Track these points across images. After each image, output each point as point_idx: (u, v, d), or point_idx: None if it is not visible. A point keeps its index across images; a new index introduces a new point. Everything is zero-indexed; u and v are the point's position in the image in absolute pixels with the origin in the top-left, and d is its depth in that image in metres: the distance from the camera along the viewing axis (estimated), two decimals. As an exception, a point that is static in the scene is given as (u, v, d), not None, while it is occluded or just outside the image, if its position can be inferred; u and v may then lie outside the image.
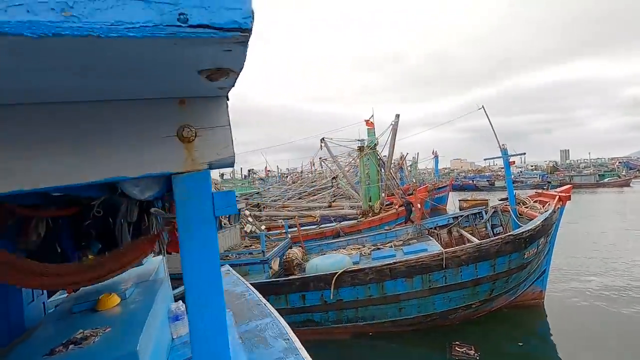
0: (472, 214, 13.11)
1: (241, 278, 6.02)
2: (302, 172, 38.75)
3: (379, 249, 12.18)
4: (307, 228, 16.63)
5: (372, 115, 19.39)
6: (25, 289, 2.72)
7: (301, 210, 22.05)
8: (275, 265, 10.50)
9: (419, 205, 13.69)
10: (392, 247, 12.08)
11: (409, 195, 24.19)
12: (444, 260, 8.35)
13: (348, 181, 21.76)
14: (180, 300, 3.30)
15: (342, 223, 17.91)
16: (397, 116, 18.35)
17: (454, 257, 8.43)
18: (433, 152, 40.98)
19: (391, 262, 8.71)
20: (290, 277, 9.32)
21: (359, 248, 12.80)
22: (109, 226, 3.05)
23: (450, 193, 37.03)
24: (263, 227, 14.82)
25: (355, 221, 17.46)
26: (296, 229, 14.27)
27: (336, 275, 8.62)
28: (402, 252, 10.88)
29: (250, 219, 13.81)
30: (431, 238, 12.26)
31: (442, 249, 10.24)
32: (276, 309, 9.44)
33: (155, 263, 3.84)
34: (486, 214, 12.79)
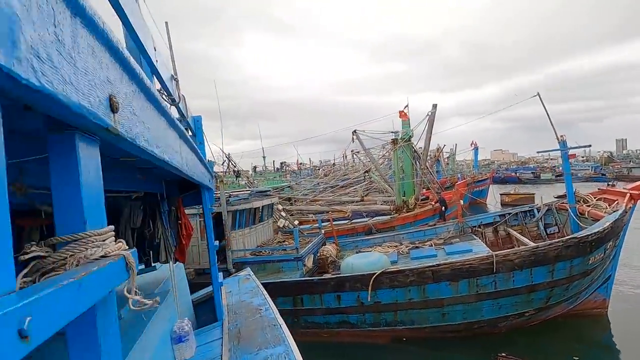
0: (521, 211, 12.02)
1: (261, 287, 5.65)
2: (334, 164, 38.25)
3: (417, 247, 11.50)
4: (338, 223, 16.16)
5: (407, 106, 18.43)
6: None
7: (332, 204, 21.64)
8: (309, 262, 10.18)
9: (461, 202, 12.78)
10: (431, 246, 11.36)
11: (446, 189, 23.04)
12: (495, 264, 7.58)
13: (381, 175, 20.98)
14: (187, 318, 2.95)
15: (374, 219, 17.28)
16: (435, 106, 17.27)
17: (505, 261, 7.63)
18: (472, 142, 38.83)
19: (434, 264, 8.06)
20: (325, 277, 8.93)
21: (395, 246, 12.18)
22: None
23: (490, 186, 35.03)
24: (296, 221, 14.56)
25: (389, 217, 16.77)
26: (328, 223, 13.87)
27: (374, 276, 8.12)
28: (444, 252, 10.16)
29: (283, 214, 13.57)
30: (475, 237, 11.39)
31: (490, 250, 9.41)
32: (310, 309, 9.23)
33: (165, 271, 3.52)
34: (538, 211, 11.67)
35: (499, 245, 11.42)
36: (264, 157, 26.96)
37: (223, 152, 12.19)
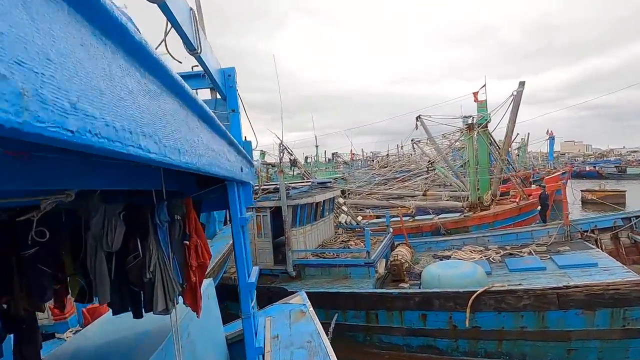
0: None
1: (322, 334, 4.09)
2: (387, 155, 36.15)
3: (511, 255, 9.42)
4: (396, 220, 14.29)
5: (484, 86, 15.92)
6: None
7: (391, 199, 19.80)
8: (381, 268, 8.62)
9: (566, 200, 10.38)
10: (531, 253, 9.21)
11: (532, 183, 20.01)
12: (656, 291, 5.46)
13: (449, 166, 18.68)
14: None
15: (440, 216, 15.17)
16: (522, 84, 14.56)
17: (674, 288, 5.47)
18: (548, 131, 34.25)
19: (560, 285, 6.09)
20: (406, 289, 7.30)
21: (480, 251, 10.18)
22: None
23: (568, 181, 30.65)
24: (359, 217, 13.03)
25: (460, 215, 14.59)
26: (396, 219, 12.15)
27: (475, 296, 6.36)
28: (555, 265, 8.04)
29: (344, 208, 12.14)
30: (592, 246, 9.03)
31: (625, 266, 7.18)
32: (387, 327, 7.60)
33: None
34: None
35: (622, 257, 8.97)
36: (316, 145, 25.71)
37: (281, 141, 10.97)
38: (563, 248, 9.05)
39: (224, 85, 3.62)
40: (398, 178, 23.65)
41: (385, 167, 25.79)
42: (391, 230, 11.18)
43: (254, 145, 4.07)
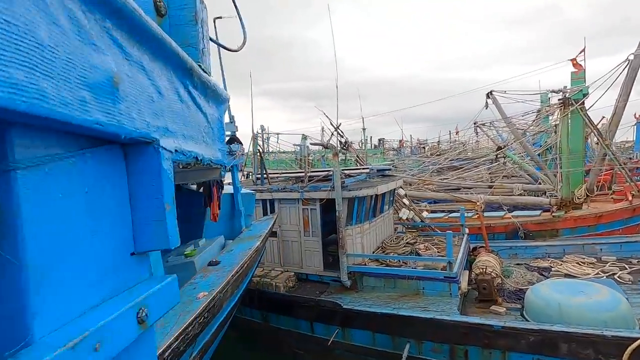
0: None
1: None
2: (438, 143, 33.21)
3: (645, 272, 6.91)
4: (454, 217, 11.91)
5: (583, 51, 12.82)
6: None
7: (448, 190, 17.33)
8: (463, 282, 6.58)
9: None
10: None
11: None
12: None
13: (529, 152, 15.79)
14: None
15: (513, 213, 12.51)
16: (642, 45, 11.30)
17: None
18: (635, 115, 29.02)
19: None
20: (517, 324, 5.18)
21: (593, 264, 7.74)
22: None
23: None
24: (425, 212, 10.94)
25: (549, 215, 11.90)
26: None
27: (635, 346, 4.17)
28: None
29: (405, 201, 10.11)
30: None
31: None
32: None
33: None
34: None
35: None
36: (363, 128, 23.55)
37: (334, 125, 9.24)
38: None
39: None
40: (456, 167, 20.97)
41: (439, 154, 23.01)
42: (467, 230, 8.99)
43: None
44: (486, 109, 15.94)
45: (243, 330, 7.89)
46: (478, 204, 14.06)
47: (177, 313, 3.03)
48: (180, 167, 3.12)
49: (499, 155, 17.97)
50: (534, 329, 4.88)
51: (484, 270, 6.71)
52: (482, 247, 8.74)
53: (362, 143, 26.04)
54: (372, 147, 30.81)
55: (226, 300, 3.76)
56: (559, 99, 12.69)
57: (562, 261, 8.07)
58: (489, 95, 15.56)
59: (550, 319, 5.16)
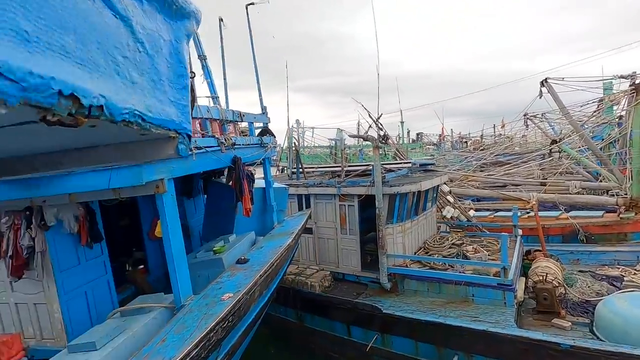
0: None
1: None
2: (481, 137, 31.34)
3: None
4: (504, 215, 10.79)
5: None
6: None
7: (494, 188, 16.14)
8: (520, 290, 5.85)
9: None
10: None
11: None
12: None
13: (590, 147, 14.24)
14: None
15: (571, 213, 11.18)
16: None
17: None
18: None
19: None
20: (591, 344, 4.42)
21: (677, 275, 6.62)
22: None
23: None
24: (471, 211, 10.11)
25: (616, 216, 10.57)
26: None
27: None
28: None
29: (450, 198, 9.37)
30: None
31: None
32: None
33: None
34: None
35: None
36: (402, 121, 22.57)
37: (372, 118, 8.76)
38: None
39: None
40: (502, 163, 19.51)
41: (483, 149, 21.51)
42: (520, 232, 8.12)
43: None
44: (540, 98, 14.53)
45: (276, 329, 7.67)
46: (532, 202, 12.85)
47: (199, 315, 2.75)
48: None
49: (553, 150, 16.39)
50: (612, 351, 4.12)
51: (544, 277, 5.92)
52: (538, 250, 7.83)
53: (399, 137, 25.11)
54: (410, 142, 29.62)
55: (254, 302, 3.45)
56: (629, 86, 11.19)
57: (636, 270, 7.02)
58: (544, 83, 14.14)
59: (629, 339, 4.37)
